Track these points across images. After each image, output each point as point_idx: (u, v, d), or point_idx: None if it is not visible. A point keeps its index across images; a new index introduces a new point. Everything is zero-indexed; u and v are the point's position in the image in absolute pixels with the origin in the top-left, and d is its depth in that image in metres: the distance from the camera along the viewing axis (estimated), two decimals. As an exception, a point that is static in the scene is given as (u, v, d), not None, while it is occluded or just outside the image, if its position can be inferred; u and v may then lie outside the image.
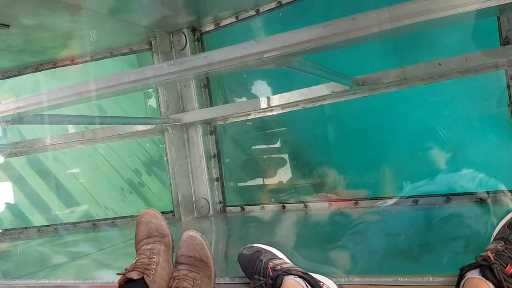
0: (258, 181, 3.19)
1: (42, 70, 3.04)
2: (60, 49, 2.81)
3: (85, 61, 3.00)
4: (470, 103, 2.57)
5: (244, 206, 2.80)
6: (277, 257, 1.33)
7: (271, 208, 2.70)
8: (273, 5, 2.61)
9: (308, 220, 2.44)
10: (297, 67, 1.60)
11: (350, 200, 2.46)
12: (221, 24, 2.79)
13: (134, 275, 1.35)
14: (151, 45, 2.91)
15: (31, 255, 2.59)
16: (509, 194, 1.99)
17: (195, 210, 2.82)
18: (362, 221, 2.11)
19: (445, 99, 2.59)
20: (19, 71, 3.06)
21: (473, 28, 2.20)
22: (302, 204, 2.59)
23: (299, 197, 2.79)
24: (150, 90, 3.55)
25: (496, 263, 0.99)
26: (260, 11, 2.65)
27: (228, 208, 2.85)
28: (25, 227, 3.25)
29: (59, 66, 3.02)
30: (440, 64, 2.08)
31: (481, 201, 2.06)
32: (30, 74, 3.08)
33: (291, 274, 1.20)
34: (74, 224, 3.17)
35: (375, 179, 2.81)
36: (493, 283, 0.99)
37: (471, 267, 1.03)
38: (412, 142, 2.77)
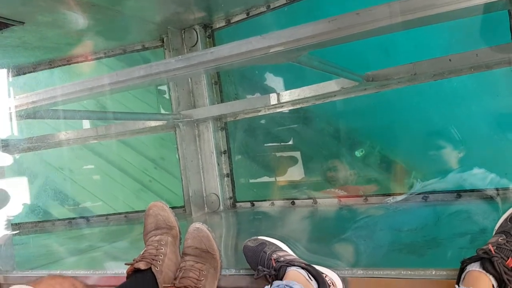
0: (268, 177, 3.20)
1: (56, 66, 3.09)
2: (73, 46, 2.86)
3: (99, 58, 3.05)
4: (481, 99, 2.54)
5: (254, 202, 2.82)
6: (281, 249, 1.35)
7: (280, 204, 2.71)
8: (283, 0, 2.61)
9: (316, 216, 2.45)
10: (305, 62, 1.61)
11: (360, 196, 2.47)
12: (232, 21, 2.81)
13: (142, 265, 1.38)
14: (163, 41, 2.94)
15: (45, 247, 2.65)
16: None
17: (205, 206, 2.85)
18: (370, 216, 2.11)
19: (455, 95, 2.58)
20: (34, 68, 3.12)
21: (483, 23, 2.18)
22: (312, 200, 2.60)
23: (308, 193, 2.79)
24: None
25: (496, 256, 1.00)
26: (271, 7, 2.66)
27: (238, 204, 2.87)
28: (40, 221, 3.32)
29: (73, 63, 3.07)
30: (450, 60, 2.07)
31: (491, 198, 2.05)
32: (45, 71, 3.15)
33: (294, 265, 1.21)
34: (87, 218, 3.23)
35: (385, 175, 2.81)
36: (494, 276, 0.99)
37: (472, 260, 1.04)
38: (422, 140, 2.76)
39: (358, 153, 3.02)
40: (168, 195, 3.81)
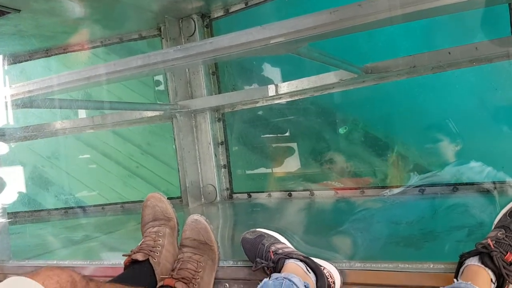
0: (265, 169, 3.20)
1: (53, 55, 3.06)
2: (70, 34, 2.83)
3: (95, 47, 3.02)
4: (479, 92, 2.54)
5: (250, 193, 2.82)
6: (279, 242, 1.35)
7: (277, 195, 2.71)
8: (283, -10, 2.59)
9: (313, 208, 2.45)
10: (305, 54, 1.60)
11: (356, 188, 2.47)
12: (231, 10, 2.78)
13: (140, 257, 1.38)
14: (160, 31, 2.91)
15: (40, 237, 2.65)
16: (515, 184, 1.99)
17: (202, 196, 2.85)
18: (367, 209, 2.11)
19: (453, 88, 2.57)
20: (30, 56, 3.08)
21: (483, 16, 2.17)
22: (308, 192, 2.60)
23: (305, 185, 2.79)
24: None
25: (495, 251, 1.00)
26: (270, -4, 2.63)
27: (235, 195, 2.87)
28: (35, 210, 3.31)
29: (69, 51, 3.04)
30: (449, 53, 2.06)
31: (488, 192, 2.05)
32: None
33: (292, 258, 1.21)
34: (83, 208, 3.22)
35: (383, 168, 2.81)
36: (492, 271, 0.99)
37: (471, 254, 1.04)
38: (419, 133, 2.76)
39: (341, 130, 3.04)
40: (156, 180, 3.80)
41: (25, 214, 3.27)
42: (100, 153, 3.91)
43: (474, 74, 2.38)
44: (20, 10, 2.30)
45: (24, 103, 1.91)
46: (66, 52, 3.04)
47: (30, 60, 3.09)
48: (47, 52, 3.06)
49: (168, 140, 3.13)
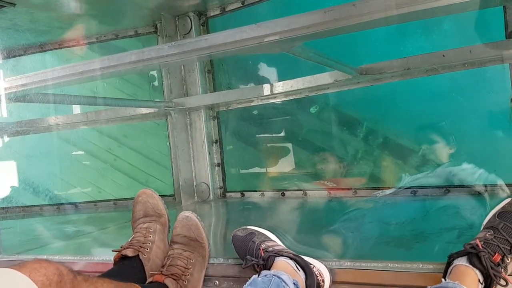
0: (259, 168, 3.20)
1: (48, 50, 3.04)
2: (65, 29, 2.82)
3: (90, 43, 3.00)
4: (472, 95, 2.56)
5: (244, 192, 2.82)
6: (269, 239, 1.35)
7: (270, 194, 2.72)
8: (280, -11, 2.59)
9: (306, 207, 2.46)
10: (300, 53, 1.60)
11: (349, 189, 2.48)
12: (227, 9, 2.78)
13: (129, 253, 1.37)
14: (156, 28, 2.90)
15: (32, 232, 2.64)
16: (505, 187, 2.00)
17: (195, 195, 2.84)
18: (358, 209, 2.12)
19: (447, 90, 2.58)
20: (25, 51, 3.07)
21: (478, 20, 2.18)
22: (301, 192, 2.60)
23: (298, 184, 2.79)
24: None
25: (483, 251, 1.00)
26: (267, -5, 2.63)
27: (228, 194, 2.87)
28: (27, 206, 3.29)
29: (64, 47, 3.03)
30: (444, 55, 2.07)
31: (479, 194, 2.07)
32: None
33: (282, 255, 1.22)
34: (75, 204, 3.21)
35: (375, 169, 2.82)
36: (480, 271, 1.00)
37: (459, 254, 1.05)
38: (411, 136, 2.77)
39: (312, 110, 3.05)
40: (135, 172, 3.77)
41: (15, 210, 3.25)
42: (80, 149, 3.88)
43: (467, 77, 2.40)
44: (15, 4, 2.29)
45: (17, 97, 1.90)
46: (61, 48, 3.02)
47: (25, 55, 3.07)
48: (42, 47, 3.04)
49: (151, 136, 3.11)
